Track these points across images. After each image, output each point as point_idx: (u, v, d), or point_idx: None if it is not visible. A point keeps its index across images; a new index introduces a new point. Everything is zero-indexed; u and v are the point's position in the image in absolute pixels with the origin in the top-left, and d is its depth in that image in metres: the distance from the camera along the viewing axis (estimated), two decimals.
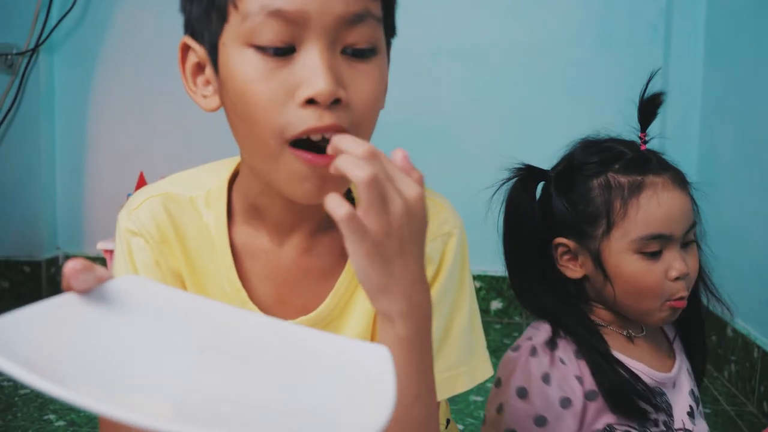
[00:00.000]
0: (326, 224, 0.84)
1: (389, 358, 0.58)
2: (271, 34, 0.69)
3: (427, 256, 0.80)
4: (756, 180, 1.83)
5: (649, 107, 1.30)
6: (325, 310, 0.83)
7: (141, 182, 2.16)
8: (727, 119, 2.04)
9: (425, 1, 2.23)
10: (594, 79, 2.33)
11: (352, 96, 0.70)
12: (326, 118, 0.68)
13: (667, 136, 2.27)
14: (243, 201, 0.83)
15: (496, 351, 1.96)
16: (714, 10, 2.16)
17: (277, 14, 0.68)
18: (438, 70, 2.33)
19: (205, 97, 0.77)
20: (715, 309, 1.99)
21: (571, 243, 1.09)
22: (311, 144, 0.69)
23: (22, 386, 1.77)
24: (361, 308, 0.84)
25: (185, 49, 0.77)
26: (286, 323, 0.66)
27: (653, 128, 2.26)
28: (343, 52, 0.71)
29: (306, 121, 0.68)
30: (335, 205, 0.61)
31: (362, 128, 0.72)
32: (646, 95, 1.27)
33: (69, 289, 0.59)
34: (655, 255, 1.07)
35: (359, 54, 0.72)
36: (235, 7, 0.70)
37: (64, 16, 2.46)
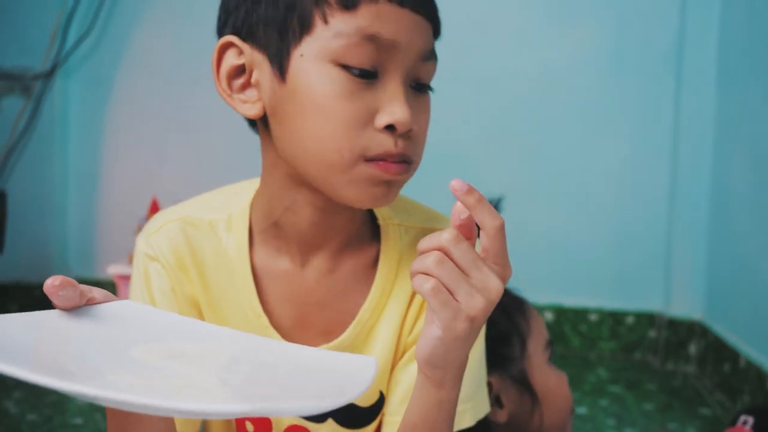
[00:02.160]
0: (349, 245, 0.83)
1: (374, 365, 0.61)
2: (363, 56, 0.72)
3: None
4: None
5: None
6: (348, 339, 0.83)
7: (153, 207, 2.17)
8: (740, 147, 2.03)
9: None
10: (607, 108, 2.33)
11: (416, 128, 0.74)
12: (400, 145, 0.73)
13: (680, 165, 2.27)
14: (265, 221, 0.83)
15: None
16: (726, 38, 2.17)
17: (373, 39, 0.72)
18: (453, 95, 2.34)
19: (244, 102, 0.77)
20: (728, 338, 1.99)
21: (492, 379, 1.01)
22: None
23: (30, 411, 1.76)
24: (384, 338, 0.84)
25: (225, 49, 0.77)
26: (277, 341, 0.67)
27: (665, 157, 2.29)
28: (411, 84, 0.75)
29: (384, 144, 0.73)
30: (420, 282, 0.64)
31: (419, 158, 0.77)
32: None
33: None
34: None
35: (422, 89, 0.77)
36: (325, 22, 0.72)
37: (81, 40, 2.48)
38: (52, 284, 0.59)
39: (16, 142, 2.45)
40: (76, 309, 0.61)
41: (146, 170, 2.52)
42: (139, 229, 2.15)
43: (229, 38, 0.76)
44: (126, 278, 2.08)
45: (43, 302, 2.19)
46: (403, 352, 0.85)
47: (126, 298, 0.78)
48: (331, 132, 0.72)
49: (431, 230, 0.85)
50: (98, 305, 0.63)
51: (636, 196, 2.33)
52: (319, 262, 0.83)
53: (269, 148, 0.80)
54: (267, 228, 0.83)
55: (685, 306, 2.27)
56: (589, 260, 2.35)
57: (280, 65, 0.74)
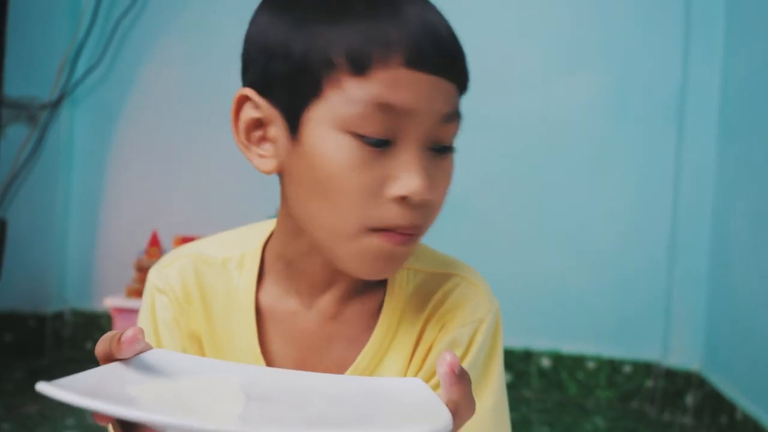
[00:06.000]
0: (358, 289, 0.83)
1: (425, 386, 0.61)
2: (376, 126, 0.68)
3: (456, 341, 0.80)
4: None
5: None
6: None
7: (153, 240, 2.17)
8: (741, 199, 2.04)
9: None
10: (609, 158, 2.35)
11: (432, 196, 0.71)
12: (411, 217, 0.70)
13: (680, 216, 2.27)
14: (279, 261, 0.83)
15: None
16: (727, 91, 2.19)
17: (386, 107, 0.68)
18: (457, 140, 2.36)
19: (261, 156, 0.75)
20: (726, 390, 1.97)
21: None
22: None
23: None
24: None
25: (243, 101, 0.74)
26: (324, 375, 0.68)
27: (666, 207, 2.29)
28: (430, 147, 0.72)
29: (394, 217, 0.70)
30: None
31: (432, 222, 0.74)
32: None
33: (111, 354, 0.60)
34: None
35: (443, 150, 0.73)
36: (339, 87, 0.69)
37: (90, 71, 2.50)
38: (134, 335, 0.59)
39: (20, 170, 2.46)
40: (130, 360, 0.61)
41: (148, 204, 2.53)
42: (139, 262, 2.15)
43: (246, 91, 0.74)
44: (123, 311, 2.07)
45: (36, 333, 2.19)
46: None
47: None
48: (339, 202, 0.70)
49: (440, 275, 0.84)
50: (141, 355, 0.62)
51: (636, 246, 2.33)
52: (325, 306, 0.82)
53: (285, 198, 0.79)
54: (280, 268, 0.83)
55: (683, 356, 2.26)
56: (588, 308, 2.35)
57: (293, 126, 0.71)
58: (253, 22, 0.76)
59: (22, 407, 1.96)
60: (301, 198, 0.74)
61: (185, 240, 2.10)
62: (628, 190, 2.34)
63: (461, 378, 0.57)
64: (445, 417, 0.53)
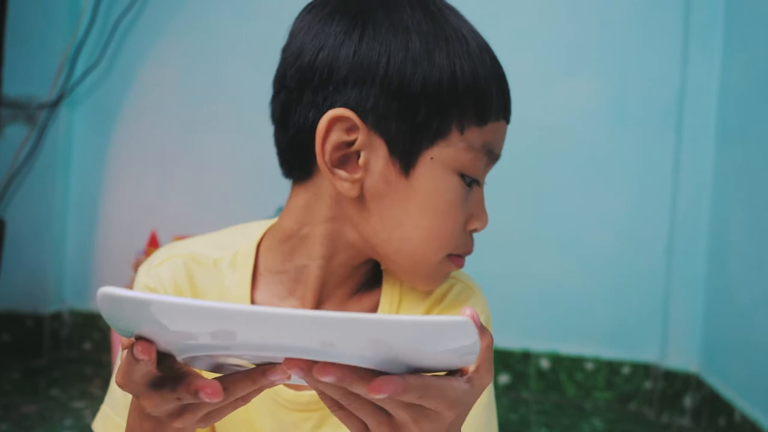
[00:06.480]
0: (359, 290, 0.83)
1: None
2: (478, 168, 0.77)
3: None
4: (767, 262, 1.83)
5: None
6: None
7: (152, 241, 2.16)
8: (739, 202, 2.04)
9: None
10: (608, 160, 2.35)
11: None
12: (473, 243, 0.82)
13: (678, 219, 2.28)
14: (284, 262, 0.82)
15: (502, 426, 1.92)
16: (726, 95, 2.19)
17: (489, 153, 0.78)
18: None
19: (344, 180, 0.75)
20: (724, 392, 1.97)
21: None
22: None
23: None
24: None
25: (336, 122, 0.73)
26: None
27: (664, 210, 2.29)
28: None
29: (467, 244, 0.81)
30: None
31: None
32: None
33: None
34: None
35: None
36: (461, 132, 0.75)
37: (89, 71, 2.50)
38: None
39: (18, 170, 2.46)
40: None
41: (147, 204, 2.53)
42: (137, 262, 2.15)
43: (345, 113, 0.73)
44: None
45: (34, 333, 2.18)
46: None
47: None
48: (441, 234, 0.77)
49: None
50: None
51: (635, 248, 2.33)
52: (328, 307, 0.82)
53: (336, 210, 0.78)
54: (285, 270, 0.82)
55: (681, 358, 2.26)
56: (586, 310, 2.35)
57: (406, 160, 0.74)
58: (365, 41, 0.74)
59: (20, 407, 1.95)
60: (386, 225, 0.77)
61: None
62: (626, 193, 2.34)
63: (483, 331, 0.56)
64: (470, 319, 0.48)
